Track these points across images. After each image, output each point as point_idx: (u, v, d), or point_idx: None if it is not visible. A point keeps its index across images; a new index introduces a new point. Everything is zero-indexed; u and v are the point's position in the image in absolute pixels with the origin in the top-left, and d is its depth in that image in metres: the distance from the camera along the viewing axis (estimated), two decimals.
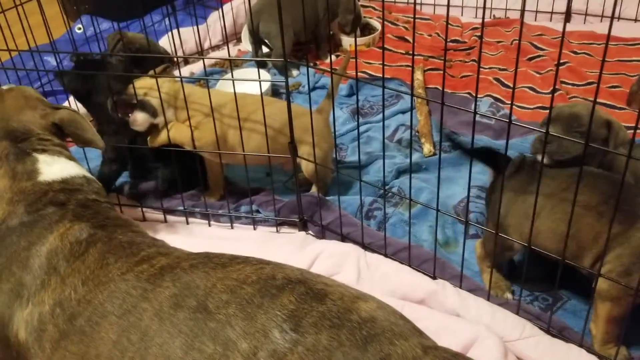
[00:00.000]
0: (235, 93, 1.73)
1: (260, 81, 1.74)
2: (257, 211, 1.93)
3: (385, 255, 1.73)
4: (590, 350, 1.42)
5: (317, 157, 1.79)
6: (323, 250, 1.72)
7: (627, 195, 1.38)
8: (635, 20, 3.18)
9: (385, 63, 3.03)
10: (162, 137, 1.83)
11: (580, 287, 1.59)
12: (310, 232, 1.88)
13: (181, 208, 1.93)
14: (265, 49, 2.99)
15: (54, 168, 1.42)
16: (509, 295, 1.61)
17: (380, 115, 2.52)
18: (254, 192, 2.00)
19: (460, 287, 1.60)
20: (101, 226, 1.31)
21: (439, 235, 1.86)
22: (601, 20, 3.26)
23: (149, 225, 1.91)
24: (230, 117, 1.81)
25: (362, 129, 2.45)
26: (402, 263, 1.69)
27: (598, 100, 2.50)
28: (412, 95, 1.58)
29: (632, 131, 2.24)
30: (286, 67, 1.75)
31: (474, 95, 2.61)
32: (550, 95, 2.59)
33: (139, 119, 1.81)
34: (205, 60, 2.93)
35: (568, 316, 1.55)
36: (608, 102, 2.50)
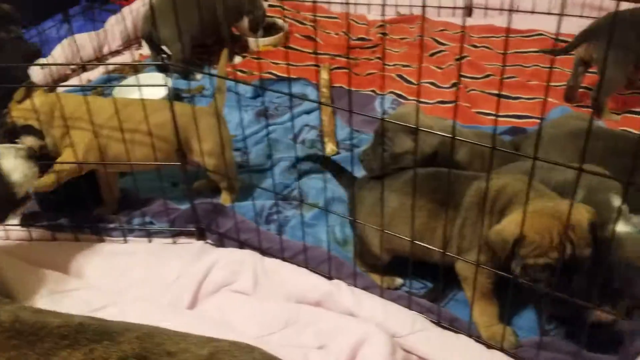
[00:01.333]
0: (119, 100, 1.67)
1: (140, 86, 1.68)
2: (151, 222, 1.87)
3: (283, 259, 1.71)
4: (479, 340, 1.45)
5: (213, 152, 1.75)
6: (219, 259, 1.68)
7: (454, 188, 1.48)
8: (532, 12, 3.29)
9: (292, 63, 3.06)
10: (49, 180, 1.72)
11: None
12: (208, 240, 1.84)
13: (68, 225, 1.84)
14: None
15: None
16: (399, 281, 1.66)
17: (285, 117, 2.50)
18: (151, 203, 1.94)
19: (355, 286, 1.60)
20: None
21: (339, 235, 1.86)
22: (500, 13, 3.36)
23: (36, 246, 1.81)
24: (113, 127, 1.74)
25: (266, 131, 2.42)
26: (300, 266, 1.68)
27: (494, 91, 2.58)
28: (319, 103, 1.56)
29: (536, 120, 2.32)
30: (166, 71, 1.70)
31: (377, 92, 2.66)
32: (450, 90, 2.65)
33: (31, 144, 1.72)
34: (102, 66, 2.84)
35: (460, 307, 1.58)
36: (504, 93, 2.58)
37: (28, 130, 1.73)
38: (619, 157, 1.53)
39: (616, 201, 1.42)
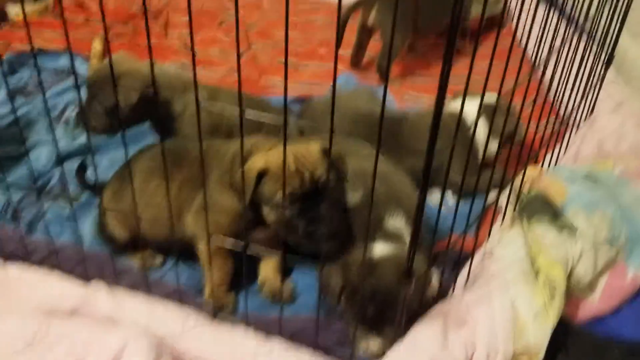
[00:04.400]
0: None
1: None
2: None
3: (31, 264, 1.42)
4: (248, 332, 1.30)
5: None
6: None
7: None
8: None
9: (61, 33, 2.68)
10: None
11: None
12: None
13: None
14: None
15: None
16: (158, 260, 1.52)
17: (47, 94, 2.15)
18: None
19: (121, 284, 1.37)
20: None
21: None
22: None
23: None
24: None
25: (22, 111, 2.06)
26: (52, 269, 1.40)
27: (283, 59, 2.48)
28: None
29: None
30: None
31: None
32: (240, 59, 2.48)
33: None
34: None
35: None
36: (292, 61, 2.48)
37: None
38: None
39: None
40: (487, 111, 1.65)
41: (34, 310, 1.32)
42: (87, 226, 1.60)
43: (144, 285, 1.39)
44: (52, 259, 1.43)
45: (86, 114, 1.55)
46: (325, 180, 1.25)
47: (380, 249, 1.26)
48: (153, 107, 1.54)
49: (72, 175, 1.73)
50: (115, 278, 1.38)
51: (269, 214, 1.29)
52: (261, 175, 1.26)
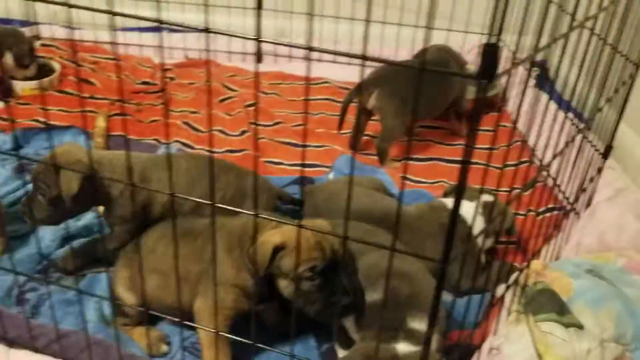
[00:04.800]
0: None
1: None
2: None
3: (36, 351, 1.41)
4: None
5: None
6: None
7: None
8: (319, 60, 3.36)
9: (64, 109, 2.74)
10: None
11: None
12: None
13: None
14: None
15: None
16: (164, 348, 1.53)
17: None
18: None
19: None
20: None
21: (106, 312, 1.61)
22: (290, 61, 3.38)
23: None
24: None
25: (27, 188, 2.07)
26: (56, 357, 1.39)
27: (283, 139, 2.54)
28: None
29: (324, 168, 2.29)
30: None
31: (162, 141, 2.46)
32: (239, 138, 2.54)
33: None
34: None
35: None
36: (293, 141, 2.54)
37: None
38: None
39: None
40: (484, 207, 1.71)
41: None
42: (91, 311, 1.59)
43: None
44: (57, 344, 1.41)
45: (30, 206, 1.58)
46: (342, 252, 1.29)
47: (402, 348, 1.28)
48: (95, 195, 1.59)
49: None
50: None
51: (287, 288, 1.32)
52: (277, 250, 1.29)
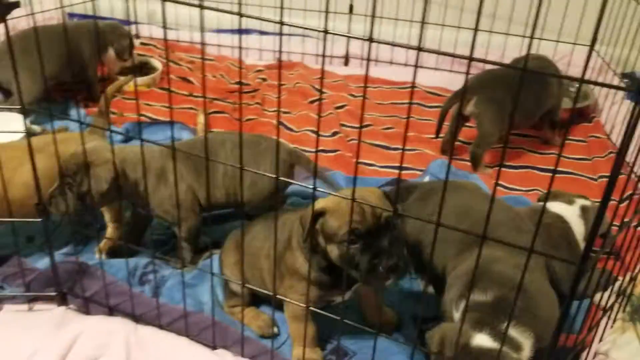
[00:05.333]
0: None
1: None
2: (1, 287, 1.61)
3: (160, 327, 1.53)
4: None
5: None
6: (83, 330, 1.47)
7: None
8: (405, 64, 3.42)
9: (167, 105, 2.90)
10: None
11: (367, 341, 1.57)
12: (71, 306, 1.61)
13: None
14: None
15: None
16: (275, 330, 1.60)
17: None
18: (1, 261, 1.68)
19: (242, 355, 1.46)
20: None
21: (221, 296, 1.72)
22: (376, 64, 3.45)
23: None
24: None
25: None
26: (180, 334, 1.51)
27: (374, 141, 2.61)
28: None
29: (417, 172, 2.35)
30: (24, 114, 1.49)
31: None
32: (331, 138, 2.63)
33: None
34: None
35: None
36: (383, 144, 2.61)
37: None
38: None
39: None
40: (582, 211, 1.72)
41: None
42: (206, 295, 1.70)
43: (265, 354, 1.48)
44: (179, 323, 1.53)
45: (57, 198, 1.64)
46: (387, 217, 1.32)
47: (483, 340, 1.26)
48: (121, 191, 1.68)
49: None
50: (238, 347, 1.48)
51: (333, 251, 1.37)
52: (318, 215, 1.36)
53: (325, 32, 0.98)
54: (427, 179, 2.25)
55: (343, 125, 2.76)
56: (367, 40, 0.95)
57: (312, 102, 2.97)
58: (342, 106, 2.91)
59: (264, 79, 3.18)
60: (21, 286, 1.60)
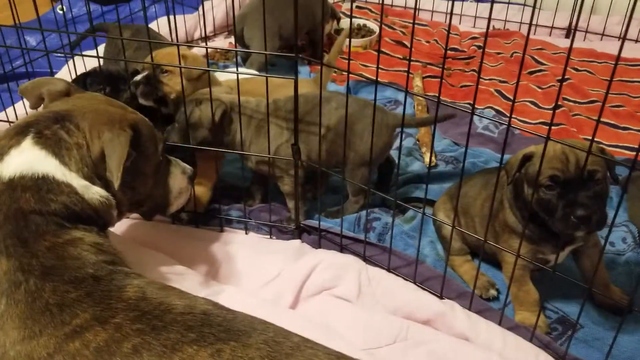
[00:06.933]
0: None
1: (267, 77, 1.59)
2: (249, 218, 1.80)
3: (388, 270, 1.62)
4: None
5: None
6: (321, 260, 1.60)
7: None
8: (637, 41, 3.15)
9: (382, 67, 2.98)
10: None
11: (597, 314, 1.51)
12: (304, 241, 1.75)
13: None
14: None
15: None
16: (493, 292, 1.60)
17: None
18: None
19: (470, 309, 1.49)
20: (30, 271, 1.03)
21: (441, 250, 1.76)
22: (601, 39, 3.22)
23: (133, 227, 1.76)
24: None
25: None
26: (407, 279, 1.58)
27: (602, 119, 2.46)
28: (407, 92, 1.48)
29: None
30: (297, 64, 1.62)
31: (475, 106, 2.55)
32: (551, 111, 2.52)
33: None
34: (203, 49, 2.80)
35: (580, 346, 1.45)
36: (611, 122, 2.44)
37: None
38: None
39: None
40: None
41: (392, 312, 1.50)
42: (427, 248, 1.75)
43: (490, 312, 1.49)
44: (405, 270, 1.60)
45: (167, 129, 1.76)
46: (592, 171, 1.31)
47: None
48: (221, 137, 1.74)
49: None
50: (462, 300, 1.51)
51: (529, 194, 1.40)
52: (526, 158, 1.40)
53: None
54: None
55: (566, 99, 2.62)
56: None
57: (531, 73, 2.85)
58: (566, 80, 2.76)
59: (481, 47, 3.12)
60: (265, 217, 1.78)
